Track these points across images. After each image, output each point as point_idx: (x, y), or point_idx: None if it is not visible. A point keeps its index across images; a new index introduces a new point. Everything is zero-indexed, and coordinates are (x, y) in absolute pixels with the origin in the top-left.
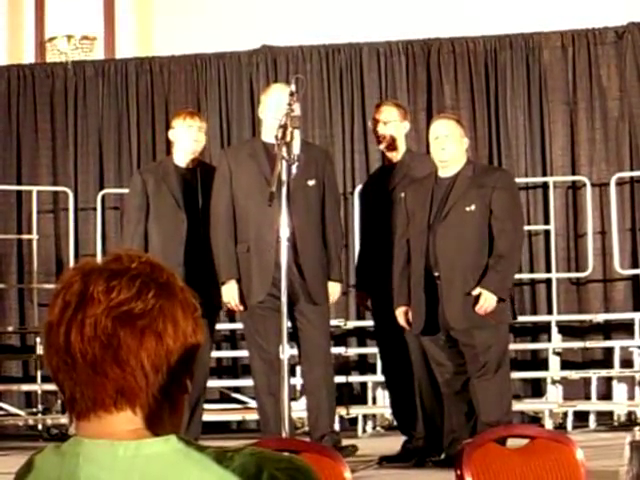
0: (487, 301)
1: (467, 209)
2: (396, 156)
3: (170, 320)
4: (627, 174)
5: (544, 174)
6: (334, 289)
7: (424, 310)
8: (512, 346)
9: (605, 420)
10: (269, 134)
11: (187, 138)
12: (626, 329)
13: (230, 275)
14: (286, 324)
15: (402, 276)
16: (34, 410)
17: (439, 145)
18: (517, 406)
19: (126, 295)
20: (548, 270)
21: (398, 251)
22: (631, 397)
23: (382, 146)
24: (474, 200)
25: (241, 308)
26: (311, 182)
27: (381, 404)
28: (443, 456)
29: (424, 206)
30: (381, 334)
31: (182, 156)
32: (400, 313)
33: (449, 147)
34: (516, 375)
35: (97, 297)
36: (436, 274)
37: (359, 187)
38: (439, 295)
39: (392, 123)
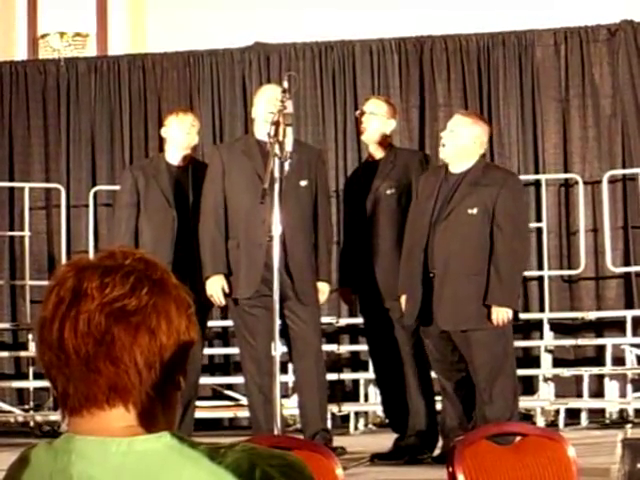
0: (500, 314)
1: (469, 212)
2: (380, 152)
3: (164, 317)
4: (619, 172)
5: (536, 172)
6: (323, 289)
7: (419, 304)
8: None
9: (597, 418)
10: (262, 132)
11: (179, 132)
12: (618, 327)
13: (214, 270)
14: (277, 322)
15: (408, 263)
16: (26, 407)
17: (442, 140)
18: None
19: (120, 291)
20: (540, 268)
21: (406, 238)
22: (623, 395)
23: (363, 137)
24: (477, 203)
25: (223, 303)
26: (303, 182)
27: (373, 401)
28: (436, 453)
29: (430, 199)
30: (371, 332)
31: (174, 153)
32: (404, 300)
33: (447, 144)
34: None
35: (91, 293)
36: (434, 271)
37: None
38: (433, 293)
39: (378, 116)
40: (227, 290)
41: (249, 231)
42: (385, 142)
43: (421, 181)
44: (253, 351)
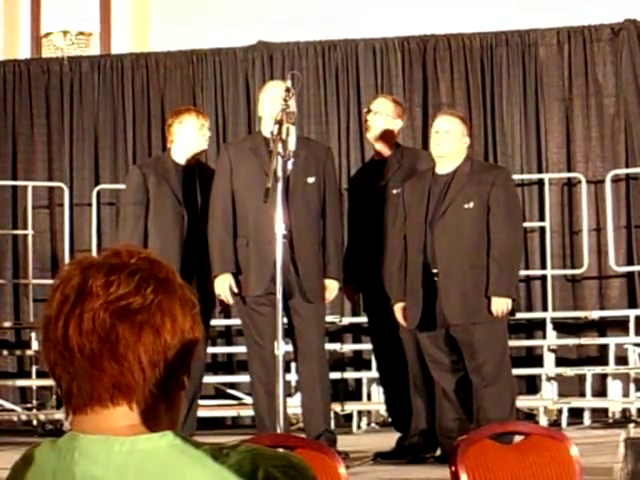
0: (500, 305)
1: (465, 206)
2: (385, 151)
3: (168, 316)
4: (622, 171)
5: (539, 171)
6: (332, 287)
7: (421, 306)
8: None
9: (600, 417)
10: (269, 129)
11: (199, 137)
12: (621, 326)
13: (223, 269)
14: (281, 320)
15: (400, 271)
16: (29, 405)
17: (436, 140)
18: None
19: (125, 290)
20: (543, 267)
21: (396, 246)
22: (626, 394)
23: (368, 135)
24: (472, 197)
25: (231, 301)
26: (311, 179)
27: (376, 400)
28: (439, 452)
29: (421, 202)
30: (375, 331)
31: (184, 153)
32: (398, 309)
33: (445, 143)
34: None
35: (96, 291)
36: (434, 271)
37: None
38: (437, 292)
39: (383, 115)
40: (235, 289)
41: (258, 229)
42: (391, 141)
43: (406, 189)
44: (261, 350)
